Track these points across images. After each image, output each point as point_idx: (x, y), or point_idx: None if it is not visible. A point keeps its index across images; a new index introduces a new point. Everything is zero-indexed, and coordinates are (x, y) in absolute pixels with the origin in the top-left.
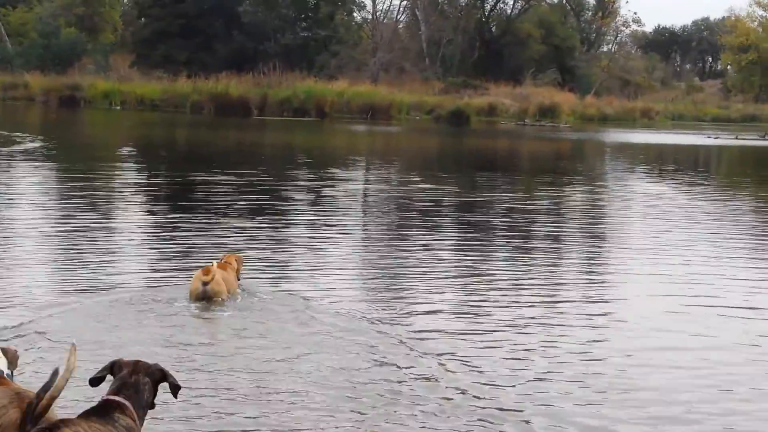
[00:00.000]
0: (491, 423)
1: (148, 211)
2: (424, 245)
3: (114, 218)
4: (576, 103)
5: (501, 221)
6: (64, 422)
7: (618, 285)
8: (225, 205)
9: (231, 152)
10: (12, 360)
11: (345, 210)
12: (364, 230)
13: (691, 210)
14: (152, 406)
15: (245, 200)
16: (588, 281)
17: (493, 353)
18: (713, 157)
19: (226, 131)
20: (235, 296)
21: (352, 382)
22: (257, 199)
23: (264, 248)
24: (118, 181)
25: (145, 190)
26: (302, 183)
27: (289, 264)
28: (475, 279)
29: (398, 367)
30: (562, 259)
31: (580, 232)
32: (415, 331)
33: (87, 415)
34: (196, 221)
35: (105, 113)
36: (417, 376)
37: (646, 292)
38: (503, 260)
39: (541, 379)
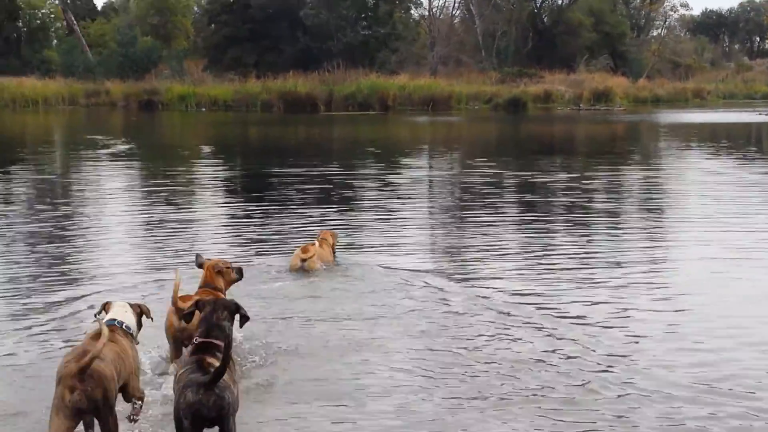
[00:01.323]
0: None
1: (227, 202)
2: (488, 223)
3: (197, 209)
4: (629, 87)
5: (563, 200)
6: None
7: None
8: (299, 194)
9: (301, 146)
10: (142, 315)
11: (413, 195)
12: (431, 213)
13: (747, 185)
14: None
15: (318, 189)
16: (653, 257)
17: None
18: (765, 133)
19: (295, 127)
20: (330, 266)
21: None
22: (330, 189)
23: (343, 231)
24: (200, 176)
25: (224, 184)
26: (371, 172)
27: (366, 241)
28: (547, 255)
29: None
30: (623, 236)
31: (638, 209)
32: (513, 301)
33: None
34: (272, 210)
35: (182, 115)
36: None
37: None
38: (570, 235)
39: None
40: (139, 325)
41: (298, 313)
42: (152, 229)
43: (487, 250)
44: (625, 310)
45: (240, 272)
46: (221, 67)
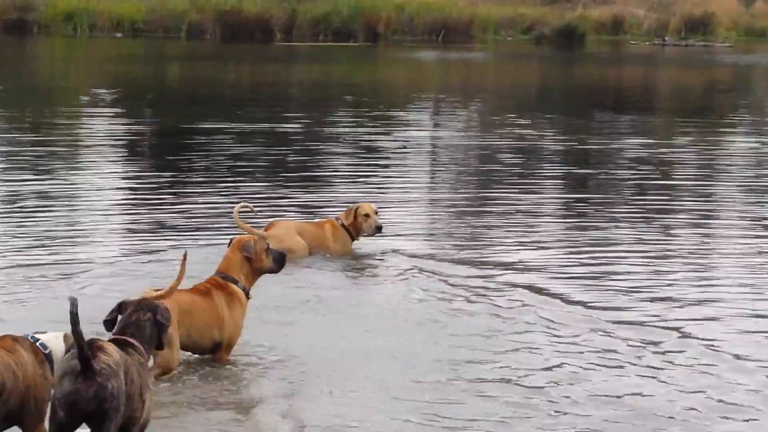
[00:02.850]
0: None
1: (128, 171)
2: (518, 208)
3: (83, 179)
4: (739, 13)
5: (630, 176)
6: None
7: None
8: (239, 161)
9: (247, 93)
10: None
11: (411, 165)
12: (433, 189)
13: None
14: (160, 346)
15: (270, 155)
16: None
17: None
18: None
19: (238, 64)
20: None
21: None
22: (288, 154)
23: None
24: (93, 133)
25: (128, 144)
26: (349, 131)
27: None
28: (598, 249)
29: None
30: (716, 228)
31: (742, 192)
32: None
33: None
34: (196, 182)
35: (68, 43)
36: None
37: None
38: (635, 226)
39: None
40: None
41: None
42: (15, 204)
43: (512, 241)
44: (707, 340)
45: (280, 261)
46: None
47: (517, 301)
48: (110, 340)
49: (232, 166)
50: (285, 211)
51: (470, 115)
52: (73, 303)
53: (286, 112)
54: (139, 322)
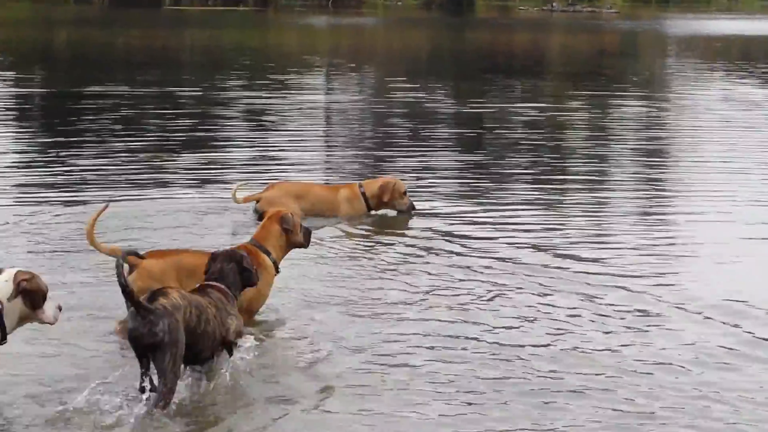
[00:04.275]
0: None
1: (23, 134)
2: (412, 169)
3: None
4: None
5: (522, 138)
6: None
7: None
8: (130, 123)
9: (134, 58)
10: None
11: (304, 129)
12: (331, 154)
13: None
14: (250, 283)
15: (161, 119)
16: (650, 231)
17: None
18: None
19: (127, 29)
20: None
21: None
22: (179, 118)
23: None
24: None
25: (17, 107)
26: (238, 95)
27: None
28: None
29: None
30: (607, 189)
31: (632, 155)
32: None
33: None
34: (86, 142)
35: None
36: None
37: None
38: (525, 186)
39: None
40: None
41: None
42: None
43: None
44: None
45: (307, 236)
46: None
47: (415, 259)
48: (198, 286)
49: (123, 128)
50: (173, 175)
51: (362, 80)
52: (120, 259)
53: (178, 76)
54: (223, 271)
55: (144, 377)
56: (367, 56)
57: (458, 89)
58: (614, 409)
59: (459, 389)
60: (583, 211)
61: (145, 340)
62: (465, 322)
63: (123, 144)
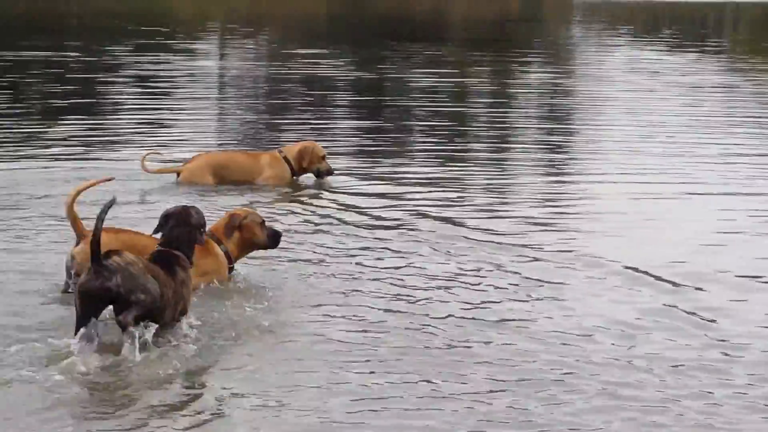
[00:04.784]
0: None
1: None
2: (312, 134)
3: None
4: None
5: (420, 104)
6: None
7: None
8: (15, 90)
9: (22, 23)
10: None
11: (197, 95)
12: (223, 120)
13: (699, 88)
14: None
15: (48, 84)
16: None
17: None
18: (729, 20)
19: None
20: None
21: None
22: (67, 83)
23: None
24: None
25: None
26: (128, 61)
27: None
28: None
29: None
30: (511, 155)
31: (535, 122)
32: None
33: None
34: None
35: None
36: None
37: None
38: (425, 154)
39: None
40: None
41: None
42: None
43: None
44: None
45: (275, 239)
46: None
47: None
48: (157, 251)
49: (8, 96)
50: (60, 142)
51: (258, 46)
52: (106, 206)
53: (66, 41)
54: (180, 235)
55: (86, 327)
56: (264, 21)
57: (358, 55)
58: (521, 379)
59: (365, 358)
60: (485, 178)
61: (101, 294)
62: (365, 291)
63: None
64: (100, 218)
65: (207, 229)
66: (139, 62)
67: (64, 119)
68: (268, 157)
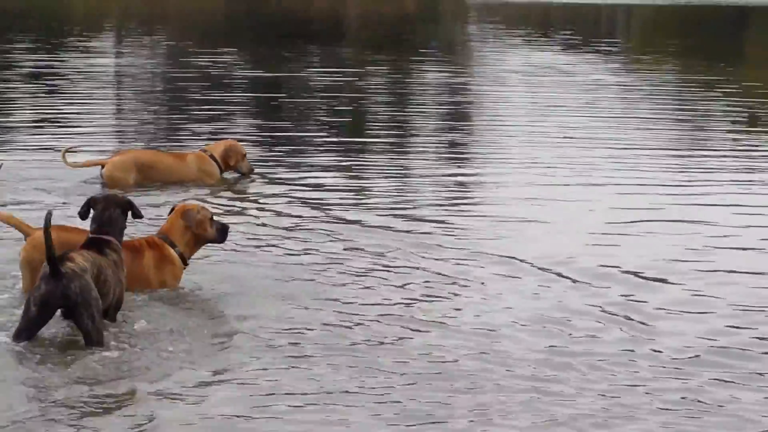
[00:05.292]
0: None
1: None
2: (209, 133)
3: None
4: None
5: (317, 103)
6: (68, 253)
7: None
8: None
9: None
10: None
11: (87, 96)
12: (121, 119)
13: (595, 86)
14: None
15: None
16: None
17: None
18: (621, 21)
19: None
20: None
21: None
22: None
23: None
24: None
25: None
26: (20, 59)
27: None
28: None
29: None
30: (411, 155)
31: (433, 120)
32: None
33: (83, 248)
34: None
35: None
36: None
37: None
38: (327, 152)
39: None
40: None
41: None
42: None
43: None
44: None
45: (223, 232)
46: None
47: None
48: (89, 239)
49: None
50: None
51: (154, 43)
52: (47, 217)
53: None
54: (111, 218)
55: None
56: (160, 19)
57: (254, 54)
58: (439, 373)
59: (289, 353)
60: (385, 177)
61: (59, 302)
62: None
63: None
64: (47, 232)
65: (158, 230)
66: (32, 59)
67: None
68: (196, 158)
